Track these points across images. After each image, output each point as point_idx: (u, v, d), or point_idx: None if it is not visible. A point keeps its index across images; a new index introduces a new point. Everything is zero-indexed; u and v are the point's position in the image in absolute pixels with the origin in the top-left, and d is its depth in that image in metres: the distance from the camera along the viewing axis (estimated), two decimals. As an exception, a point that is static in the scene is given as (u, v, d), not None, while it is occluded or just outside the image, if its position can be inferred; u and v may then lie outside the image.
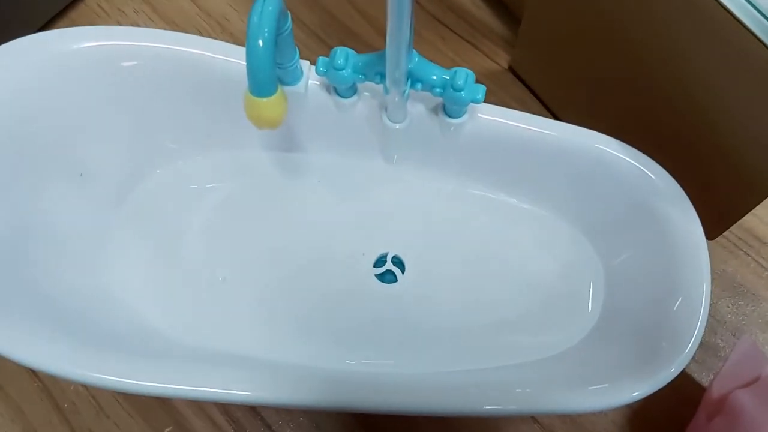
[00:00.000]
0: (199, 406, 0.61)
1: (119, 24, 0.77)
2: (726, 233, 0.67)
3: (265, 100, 0.42)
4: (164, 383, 0.43)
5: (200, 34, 0.76)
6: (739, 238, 0.68)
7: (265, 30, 0.40)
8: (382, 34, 0.77)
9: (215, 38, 0.54)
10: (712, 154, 0.56)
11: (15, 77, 0.49)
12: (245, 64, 0.41)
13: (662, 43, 0.53)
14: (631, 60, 0.57)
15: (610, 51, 0.59)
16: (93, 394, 0.61)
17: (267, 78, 0.41)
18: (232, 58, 0.52)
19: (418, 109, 0.53)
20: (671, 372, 0.45)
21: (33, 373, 0.61)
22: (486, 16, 0.80)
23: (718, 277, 0.66)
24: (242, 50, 0.51)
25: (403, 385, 0.46)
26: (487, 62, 0.77)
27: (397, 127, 0.53)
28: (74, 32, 0.51)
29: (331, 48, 0.49)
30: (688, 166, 0.53)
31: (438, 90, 0.48)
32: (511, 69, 0.76)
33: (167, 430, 0.60)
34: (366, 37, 0.77)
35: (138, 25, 0.77)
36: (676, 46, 0.52)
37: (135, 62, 0.52)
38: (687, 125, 0.56)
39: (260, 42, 0.40)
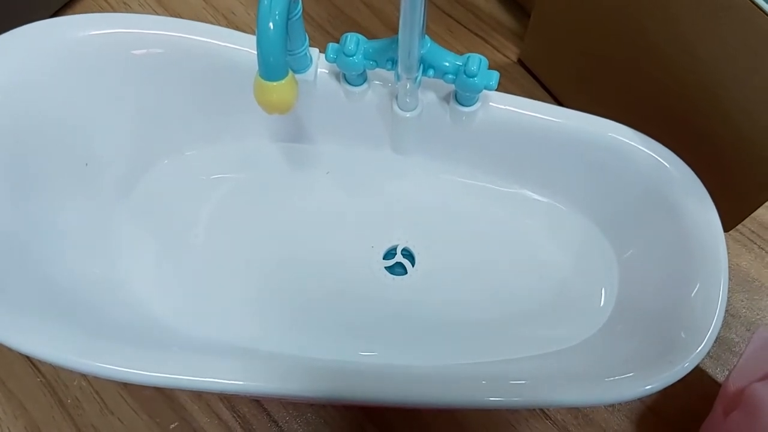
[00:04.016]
0: (204, 402, 0.60)
1: (124, 17, 0.77)
2: (739, 227, 0.66)
3: (275, 83, 0.41)
4: (169, 374, 0.42)
5: (206, 27, 0.75)
6: (753, 232, 0.67)
7: (276, 13, 0.39)
8: (390, 26, 0.77)
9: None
10: (726, 145, 0.55)
11: (23, 62, 0.49)
12: (255, 52, 0.40)
13: (675, 31, 0.53)
14: (643, 50, 0.57)
15: (622, 41, 0.58)
16: (97, 389, 0.60)
17: (277, 61, 0.41)
18: (242, 46, 0.52)
19: (429, 97, 0.52)
20: (688, 364, 0.44)
21: (36, 369, 0.60)
22: (494, 8, 0.80)
23: (731, 272, 0.65)
24: (253, 39, 0.51)
25: (411, 377, 0.45)
26: (497, 55, 0.76)
27: (408, 115, 0.52)
28: (85, 19, 0.50)
29: (337, 41, 0.48)
30: (701, 157, 0.53)
31: (450, 76, 0.47)
32: (520, 62, 0.76)
33: (173, 426, 0.59)
34: (373, 29, 0.77)
35: (143, 19, 0.77)
36: (689, 34, 0.51)
37: (145, 50, 0.51)
38: (700, 115, 0.55)
39: (271, 24, 0.39)
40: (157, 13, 0.77)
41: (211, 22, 0.76)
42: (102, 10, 0.77)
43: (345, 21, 0.77)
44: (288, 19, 0.41)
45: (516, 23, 0.79)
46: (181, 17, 0.77)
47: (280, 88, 0.41)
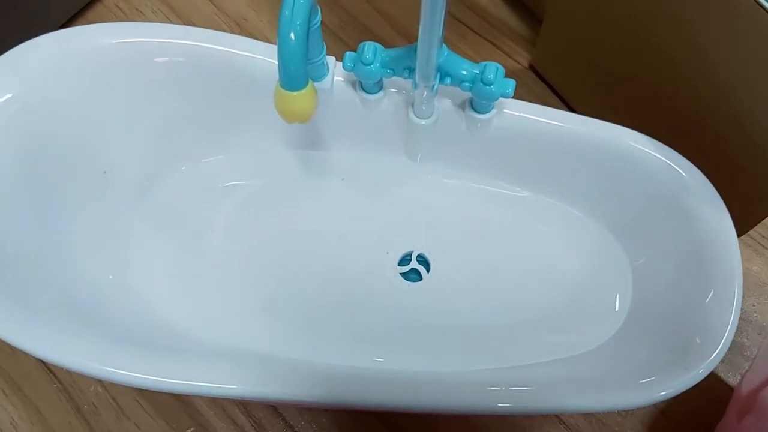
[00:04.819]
0: (220, 407, 0.60)
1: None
2: (751, 232, 0.66)
3: (296, 93, 0.41)
4: (185, 380, 0.42)
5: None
6: (763, 236, 0.67)
7: (297, 23, 0.40)
8: (402, 32, 0.77)
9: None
10: (738, 151, 0.55)
11: (42, 72, 0.49)
12: (274, 62, 0.41)
13: (687, 38, 0.53)
14: (655, 55, 0.57)
15: (634, 47, 0.59)
16: (113, 395, 0.60)
17: (298, 71, 0.41)
18: (261, 56, 0.52)
19: (444, 105, 0.53)
20: (702, 370, 0.45)
21: (52, 374, 0.61)
22: (506, 15, 0.80)
23: (742, 276, 0.65)
24: (272, 48, 0.51)
25: (426, 384, 0.46)
26: (508, 61, 0.77)
27: (424, 123, 0.52)
28: (105, 28, 0.51)
29: (350, 48, 0.49)
30: (714, 162, 0.53)
31: (467, 84, 0.48)
32: (531, 67, 0.76)
33: (189, 431, 0.59)
34: (385, 36, 0.77)
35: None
36: (700, 39, 0.52)
37: (166, 59, 0.52)
38: (712, 121, 0.56)
39: (292, 35, 0.40)
40: (170, 21, 0.78)
41: (224, 29, 0.76)
42: (115, 18, 0.78)
43: (357, 28, 0.78)
44: (308, 28, 0.42)
45: (527, 29, 0.79)
46: (193, 24, 0.77)
47: (300, 98, 0.42)
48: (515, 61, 0.77)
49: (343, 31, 0.77)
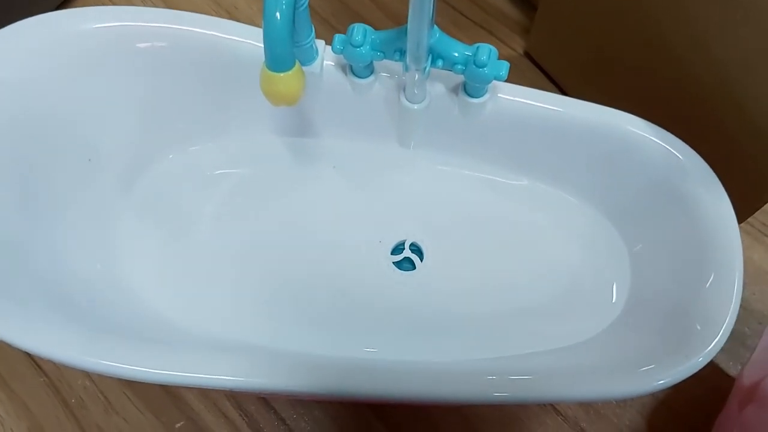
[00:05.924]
0: (210, 400, 0.59)
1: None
2: (750, 219, 0.65)
3: (282, 75, 0.40)
4: (174, 371, 0.41)
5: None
6: (764, 224, 0.66)
7: (283, 2, 0.39)
8: (394, 19, 0.76)
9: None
10: (738, 136, 0.54)
11: (25, 57, 0.48)
12: (261, 45, 0.40)
13: (686, 19, 0.52)
14: (652, 41, 0.56)
15: (631, 31, 0.58)
16: (101, 389, 0.59)
17: (284, 51, 0.40)
18: (247, 39, 0.51)
19: (437, 89, 0.51)
20: (702, 359, 0.44)
21: (39, 368, 0.60)
22: (500, 0, 0.79)
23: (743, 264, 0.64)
24: (258, 31, 0.50)
25: (419, 373, 0.45)
26: (503, 48, 0.76)
27: (416, 107, 0.51)
28: (88, 12, 0.50)
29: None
30: (712, 148, 0.52)
31: (460, 67, 0.47)
32: (527, 54, 0.75)
33: (179, 425, 0.58)
34: (377, 23, 0.76)
35: (144, 14, 0.76)
36: (700, 21, 0.51)
37: (149, 44, 0.51)
38: (712, 106, 0.55)
39: (278, 14, 0.39)
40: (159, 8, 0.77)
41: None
42: (104, 4, 0.76)
43: (349, 14, 0.77)
44: (294, 8, 0.41)
45: (522, 15, 0.78)
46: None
47: (287, 79, 0.41)
48: (510, 47, 0.76)
49: (334, 18, 0.76)
